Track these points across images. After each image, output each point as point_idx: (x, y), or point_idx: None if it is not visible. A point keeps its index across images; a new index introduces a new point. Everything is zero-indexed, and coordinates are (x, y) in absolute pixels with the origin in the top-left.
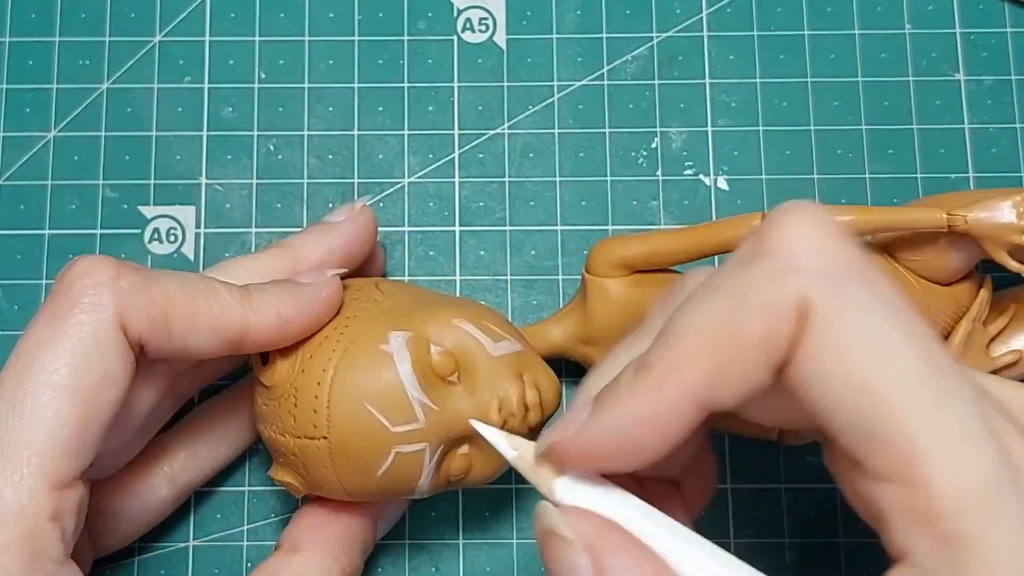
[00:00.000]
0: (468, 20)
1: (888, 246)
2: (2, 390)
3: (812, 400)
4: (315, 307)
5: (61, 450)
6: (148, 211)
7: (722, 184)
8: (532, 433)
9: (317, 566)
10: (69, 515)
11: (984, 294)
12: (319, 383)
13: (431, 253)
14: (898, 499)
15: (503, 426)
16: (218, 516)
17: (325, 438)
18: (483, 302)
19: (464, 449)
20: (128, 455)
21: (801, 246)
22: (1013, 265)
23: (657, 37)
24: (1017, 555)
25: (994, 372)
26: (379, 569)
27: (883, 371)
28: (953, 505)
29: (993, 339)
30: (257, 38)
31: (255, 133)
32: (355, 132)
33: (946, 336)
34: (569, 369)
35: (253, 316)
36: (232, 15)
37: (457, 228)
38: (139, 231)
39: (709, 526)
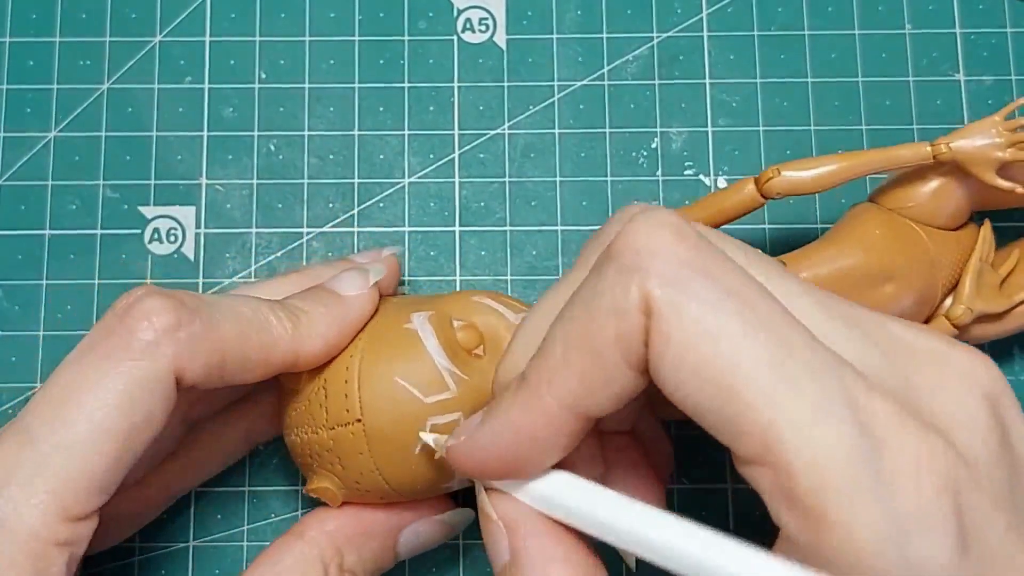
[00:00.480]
0: (468, 20)
1: (884, 199)
2: (42, 411)
3: (672, 395)
4: (358, 324)
5: (86, 487)
6: (148, 211)
7: (722, 184)
8: None
9: (318, 555)
10: (79, 544)
11: (986, 233)
12: (348, 368)
13: (431, 253)
14: (765, 479)
15: None
16: (218, 516)
17: (359, 420)
18: None
19: None
20: (133, 478)
21: (642, 247)
22: (1003, 183)
23: (657, 37)
24: (877, 530)
25: (1010, 309)
26: None
27: (728, 359)
28: (811, 483)
29: (1004, 281)
30: (257, 38)
31: (255, 133)
32: (355, 132)
33: (955, 283)
34: None
35: (302, 345)
36: (232, 15)
37: (457, 228)
38: (139, 231)
39: (710, 526)
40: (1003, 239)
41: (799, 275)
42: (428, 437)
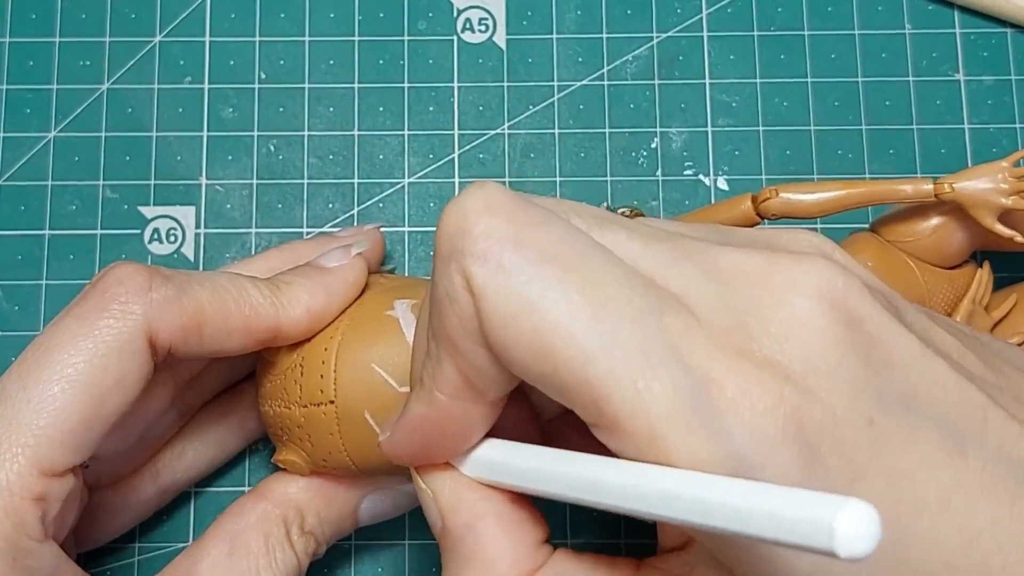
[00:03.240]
0: (468, 20)
1: (884, 230)
2: (19, 372)
3: (512, 369)
4: (343, 294)
5: (59, 440)
6: (148, 211)
7: (722, 184)
8: None
9: (280, 515)
10: (55, 500)
11: (983, 274)
12: (326, 349)
13: (431, 253)
14: (610, 440)
15: None
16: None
17: (332, 402)
18: None
19: None
20: (129, 467)
21: (455, 229)
22: (1004, 230)
23: (657, 37)
24: (717, 468)
25: None
26: (379, 569)
27: (546, 324)
28: (646, 437)
29: (996, 325)
30: (257, 38)
31: (255, 133)
32: (355, 132)
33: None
34: None
35: (284, 313)
36: (232, 15)
37: None
38: (139, 231)
39: None
40: (1006, 282)
41: None
42: (375, 426)
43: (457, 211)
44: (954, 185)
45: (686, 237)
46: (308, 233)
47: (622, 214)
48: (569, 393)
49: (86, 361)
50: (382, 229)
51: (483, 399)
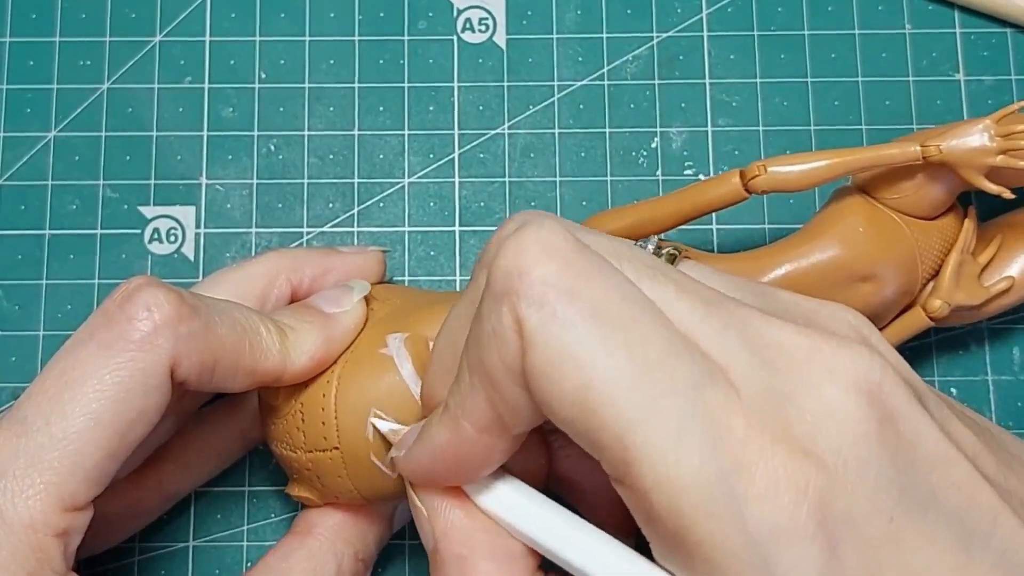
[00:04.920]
0: (468, 20)
1: (868, 187)
2: (38, 401)
3: (548, 415)
4: (344, 342)
5: (82, 478)
6: (148, 211)
7: None
8: None
9: (329, 549)
10: (76, 534)
11: (969, 224)
12: (324, 395)
13: (431, 253)
14: (629, 499)
15: None
16: (218, 516)
17: (336, 448)
18: None
19: None
20: (125, 471)
21: (512, 269)
22: (991, 187)
23: (657, 37)
24: (737, 549)
25: (989, 301)
26: (379, 569)
27: (588, 381)
28: (669, 506)
29: (984, 268)
30: (257, 38)
31: (255, 133)
32: (355, 132)
33: (936, 271)
34: None
35: (289, 361)
36: (232, 15)
37: (457, 228)
38: (139, 231)
39: None
40: (988, 212)
41: (777, 269)
42: (383, 468)
43: (516, 250)
44: (941, 147)
45: (732, 301)
46: (308, 233)
47: (668, 252)
48: (601, 449)
49: (112, 398)
50: (385, 251)
51: (508, 434)
